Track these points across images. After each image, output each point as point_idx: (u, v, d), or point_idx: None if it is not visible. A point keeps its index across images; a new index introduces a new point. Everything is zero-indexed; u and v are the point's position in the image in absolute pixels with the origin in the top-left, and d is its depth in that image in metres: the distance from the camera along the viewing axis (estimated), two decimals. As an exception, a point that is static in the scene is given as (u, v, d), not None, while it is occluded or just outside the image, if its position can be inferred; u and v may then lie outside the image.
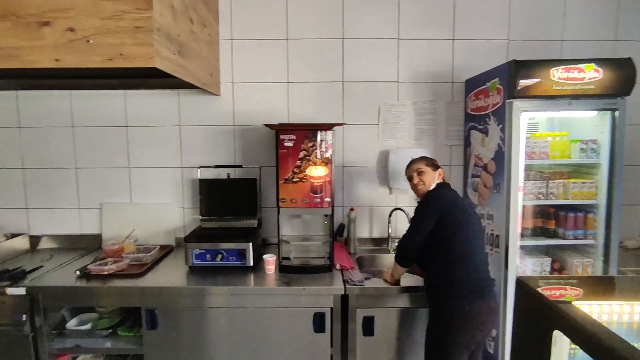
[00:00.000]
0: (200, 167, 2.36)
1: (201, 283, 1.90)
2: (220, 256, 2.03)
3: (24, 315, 1.89)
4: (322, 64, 2.39)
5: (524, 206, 2.08)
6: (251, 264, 2.03)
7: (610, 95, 1.92)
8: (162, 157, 2.43)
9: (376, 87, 2.41)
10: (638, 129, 2.42)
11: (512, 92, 1.90)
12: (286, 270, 2.03)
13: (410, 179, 1.91)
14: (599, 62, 1.89)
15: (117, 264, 2.03)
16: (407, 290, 1.88)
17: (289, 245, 2.08)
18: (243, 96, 2.39)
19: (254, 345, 1.90)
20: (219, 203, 2.31)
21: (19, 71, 1.60)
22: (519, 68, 1.88)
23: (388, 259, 2.33)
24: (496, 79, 2.03)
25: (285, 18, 2.36)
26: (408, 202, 2.45)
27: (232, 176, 2.38)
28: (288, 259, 2.08)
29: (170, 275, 2.01)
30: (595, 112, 2.03)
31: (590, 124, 2.11)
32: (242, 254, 2.04)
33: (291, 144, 1.94)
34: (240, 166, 2.37)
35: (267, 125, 1.98)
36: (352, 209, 2.38)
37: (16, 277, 1.96)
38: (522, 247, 2.10)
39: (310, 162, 1.95)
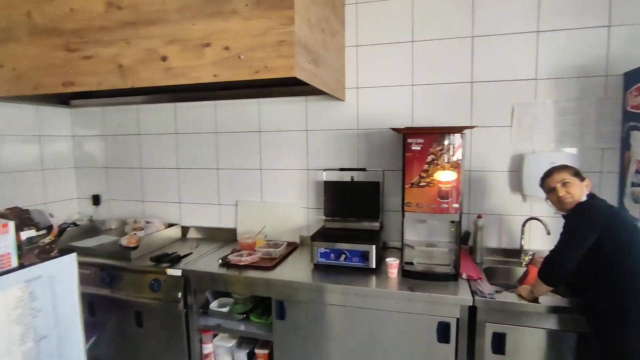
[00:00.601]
0: (325, 170, 2.47)
1: (325, 280, 1.99)
2: (343, 256, 2.09)
3: (179, 294, 2.21)
4: (449, 65, 2.30)
5: None
6: (373, 266, 2.06)
7: None
8: (290, 160, 2.61)
9: (510, 86, 2.22)
10: None
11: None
12: (409, 275, 2.00)
13: (551, 191, 1.71)
14: None
15: (251, 256, 2.25)
16: (552, 310, 1.69)
17: (413, 250, 2.05)
18: (367, 100, 2.44)
19: (373, 345, 1.91)
20: (342, 204, 2.39)
21: (182, 86, 1.88)
22: None
23: (520, 273, 2.13)
24: (670, 70, 1.70)
25: (411, 21, 2.33)
26: (546, 211, 2.20)
27: (355, 179, 2.44)
28: (411, 264, 2.04)
29: (297, 270, 2.15)
30: None
31: None
32: (364, 256, 2.07)
33: (418, 148, 1.90)
34: (363, 169, 2.41)
35: (393, 129, 1.98)
36: (479, 216, 2.23)
37: (173, 260, 2.31)
38: None
39: (439, 167, 1.89)
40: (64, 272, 0.91)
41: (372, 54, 2.41)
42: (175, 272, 2.20)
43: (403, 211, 1.98)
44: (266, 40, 1.65)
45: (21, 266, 0.81)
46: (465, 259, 2.18)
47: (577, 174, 1.68)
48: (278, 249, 2.34)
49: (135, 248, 2.40)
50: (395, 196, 2.39)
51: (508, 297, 1.78)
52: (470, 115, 2.29)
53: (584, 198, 1.63)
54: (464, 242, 2.31)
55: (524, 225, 2.18)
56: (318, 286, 1.97)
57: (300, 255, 2.40)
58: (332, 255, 2.12)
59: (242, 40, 1.68)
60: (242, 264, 2.19)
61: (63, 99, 2.94)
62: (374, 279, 2.01)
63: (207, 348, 2.32)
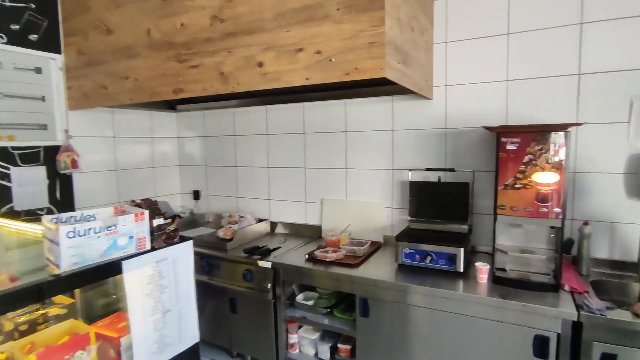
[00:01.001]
0: (411, 170, 2.44)
1: (410, 281, 1.96)
2: (429, 258, 2.05)
3: (269, 284, 2.35)
4: (550, 57, 2.11)
5: None
6: (461, 270, 1.98)
7: None
8: (375, 160, 2.63)
9: (627, 77, 1.97)
10: None
11: None
12: (501, 282, 1.89)
13: None
14: None
15: (336, 253, 2.31)
16: (674, 333, 1.48)
17: (505, 255, 1.93)
18: (456, 98, 2.35)
19: (459, 352, 1.84)
20: (428, 205, 2.34)
21: (274, 90, 2.00)
22: None
23: (636, 289, 1.89)
24: None
25: (507, 12, 2.19)
26: (671, 220, 1.92)
27: (442, 179, 2.37)
28: (503, 270, 1.93)
29: (381, 269, 2.16)
30: None
31: None
32: (452, 259, 2.01)
33: (514, 147, 1.79)
34: (452, 170, 2.33)
35: (486, 128, 1.89)
36: (586, 223, 2.02)
37: (264, 253, 2.47)
38: None
39: (537, 167, 1.76)
40: (183, 256, 1.04)
41: (462, 50, 2.31)
42: (266, 264, 2.35)
43: (495, 214, 1.87)
44: (357, 43, 1.68)
45: (153, 249, 0.95)
46: (568, 270, 1.99)
47: None
48: (362, 247, 2.37)
49: (230, 240, 2.61)
50: (486, 198, 2.27)
51: (622, 315, 1.59)
52: (576, 112, 2.09)
53: None
54: (566, 250, 2.11)
55: (642, 234, 1.93)
56: (403, 286, 1.96)
57: (383, 255, 2.40)
58: (417, 256, 2.09)
59: (333, 43, 1.74)
60: (327, 260, 2.26)
61: (171, 105, 3.31)
62: (461, 283, 1.94)
63: (293, 338, 2.44)
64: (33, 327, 1.03)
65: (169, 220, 0.98)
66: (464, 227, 2.21)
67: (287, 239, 2.85)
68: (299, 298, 2.43)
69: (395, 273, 2.10)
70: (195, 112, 3.38)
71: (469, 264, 2.07)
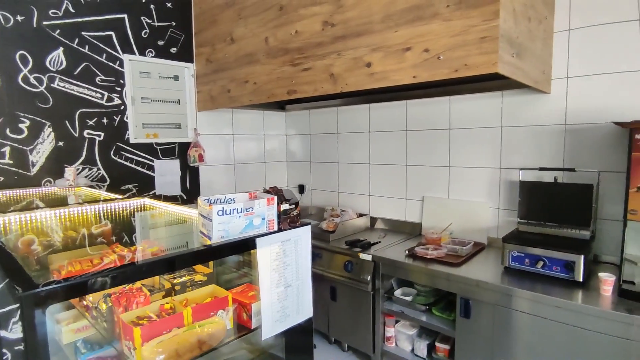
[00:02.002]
0: (522, 169, 2.29)
1: (517, 286, 1.87)
2: (541, 263, 1.93)
3: (369, 277, 2.44)
4: None
5: None
6: (580, 279, 1.82)
7: None
8: (480, 158, 2.53)
9: None
10: None
11: None
12: (628, 295, 1.69)
13: None
14: None
15: (437, 251, 2.30)
16: None
17: (636, 267, 1.72)
18: (579, 91, 2.15)
19: (577, 369, 1.71)
20: (541, 208, 2.18)
21: (378, 89, 2.07)
22: None
23: None
24: None
25: (647, -8, 1.93)
26: None
27: (559, 180, 2.19)
28: (632, 283, 1.72)
29: (485, 271, 2.09)
30: None
31: None
32: (569, 266, 1.86)
33: (652, 145, 1.59)
34: (572, 169, 2.13)
35: (617, 123, 1.70)
36: None
37: (364, 246, 2.56)
38: None
39: (682, 169, 1.54)
40: (303, 238, 1.18)
41: (587, 38, 2.10)
42: (367, 256, 2.44)
43: (625, 220, 1.68)
44: (467, 39, 1.67)
45: (279, 230, 1.10)
46: None
47: None
48: (465, 247, 2.32)
49: (333, 232, 2.76)
50: (613, 203, 2.04)
51: None
52: None
53: None
54: None
55: None
56: (509, 290, 1.87)
57: (487, 257, 2.31)
58: (526, 260, 1.98)
59: (441, 41, 1.74)
60: (428, 257, 2.27)
61: (281, 105, 3.60)
62: (580, 294, 1.78)
63: (390, 331, 2.50)
64: (183, 288, 1.27)
65: (292, 206, 1.13)
66: (585, 233, 2.02)
67: (386, 234, 2.90)
68: (398, 293, 2.47)
69: (501, 276, 2.02)
70: (301, 111, 3.62)
71: (590, 273, 1.89)
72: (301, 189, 3.67)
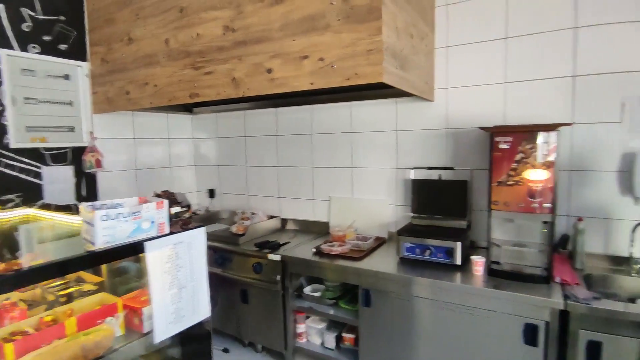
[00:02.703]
0: (413, 168, 2.55)
1: (410, 273, 2.09)
2: (428, 252, 2.17)
3: (278, 276, 2.50)
4: (545, 60, 2.20)
5: None
6: (458, 262, 2.09)
7: None
8: (379, 159, 2.76)
9: (619, 78, 2.05)
10: None
11: None
12: (495, 274, 1.99)
13: None
14: None
15: (342, 247, 2.44)
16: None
17: (500, 249, 2.03)
18: (456, 100, 2.46)
19: (456, 339, 1.96)
20: (429, 202, 2.45)
21: (283, 93, 2.15)
22: None
23: (628, 282, 1.97)
24: None
25: (505, 17, 2.29)
26: (663, 216, 2.00)
27: (443, 177, 2.48)
28: (498, 263, 2.03)
29: (383, 262, 2.28)
30: None
31: None
32: (449, 252, 2.12)
33: (507, 147, 1.89)
34: (451, 168, 2.44)
35: (481, 128, 2.00)
36: (580, 219, 2.10)
37: (273, 247, 2.62)
38: None
39: (528, 165, 1.86)
40: (197, 240, 1.20)
41: (463, 54, 2.42)
42: (275, 257, 2.50)
43: (490, 210, 1.98)
44: (356, 50, 1.82)
45: (171, 233, 1.10)
46: (563, 264, 2.07)
47: None
48: (366, 242, 2.50)
49: (242, 235, 2.77)
50: (484, 195, 2.37)
51: (607, 304, 1.68)
52: (572, 112, 2.17)
53: None
54: (562, 245, 2.20)
55: (634, 230, 2.00)
56: (403, 278, 2.08)
57: (387, 250, 2.52)
58: (417, 250, 2.21)
59: (334, 51, 1.88)
60: (333, 253, 2.40)
61: (187, 108, 3.50)
62: (458, 276, 2.05)
63: (301, 328, 2.59)
64: (70, 299, 1.20)
65: (185, 209, 1.13)
66: (463, 223, 2.32)
67: (296, 234, 3.00)
68: (307, 290, 2.57)
69: (397, 266, 2.22)
70: (209, 114, 3.56)
71: (467, 257, 2.17)
72: (211, 193, 3.61)
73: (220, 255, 2.76)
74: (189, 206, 1.10)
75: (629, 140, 2.06)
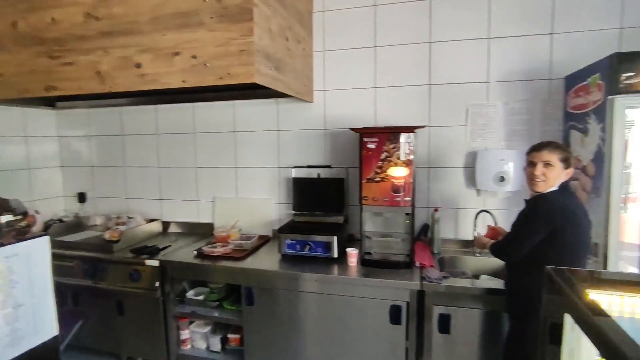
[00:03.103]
0: (294, 167, 2.64)
1: (290, 269, 2.16)
2: (308, 247, 2.27)
3: (157, 283, 2.37)
4: (408, 69, 2.47)
5: (628, 214, 1.89)
6: (335, 255, 2.23)
7: None
8: (262, 158, 2.78)
9: (464, 88, 2.40)
10: None
11: (614, 88, 1.75)
12: (367, 263, 2.17)
13: (531, 164, 1.65)
14: None
15: (224, 248, 2.41)
16: (489, 292, 1.87)
17: (371, 240, 2.22)
18: (334, 102, 2.61)
19: (333, 326, 2.09)
20: (309, 199, 2.56)
21: (161, 90, 2.04)
22: (621, 61, 1.73)
23: (472, 261, 2.31)
24: (597, 74, 1.88)
25: (374, 27, 2.50)
26: (496, 204, 2.39)
27: (322, 175, 2.61)
28: (370, 253, 2.22)
29: (266, 260, 2.32)
30: None
31: None
32: (327, 246, 2.25)
33: (374, 146, 2.08)
34: (329, 166, 2.58)
35: (352, 129, 2.16)
36: (436, 210, 2.41)
37: (152, 252, 2.47)
38: (629, 259, 1.90)
39: (392, 163, 2.06)
40: (38, 251, 1.07)
41: (338, 59, 2.58)
42: (153, 262, 2.36)
43: (361, 204, 2.15)
44: (229, 50, 1.81)
45: (0, 245, 0.97)
46: (423, 250, 2.35)
47: (566, 160, 1.62)
48: (249, 241, 2.51)
49: (117, 242, 2.55)
50: (357, 192, 2.57)
51: (453, 282, 1.96)
52: (428, 116, 2.47)
53: (554, 187, 1.62)
54: (424, 233, 2.50)
55: (476, 217, 2.37)
56: (283, 274, 2.14)
57: (271, 247, 2.56)
58: (297, 246, 2.29)
59: (207, 49, 1.84)
60: (215, 254, 2.36)
61: (49, 102, 3.08)
62: (335, 268, 2.18)
63: (184, 334, 2.49)
64: None
65: (19, 217, 0.99)
66: (340, 218, 2.48)
67: (179, 237, 2.86)
68: (190, 294, 2.48)
69: (279, 263, 2.28)
70: (78, 110, 3.19)
71: (343, 250, 2.33)
72: (82, 197, 3.24)
73: (91, 265, 2.51)
74: (24, 213, 0.97)
75: (472, 142, 2.42)
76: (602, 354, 0.57)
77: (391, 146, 2.07)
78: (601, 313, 0.61)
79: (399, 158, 2.06)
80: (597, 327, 0.58)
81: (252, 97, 2.65)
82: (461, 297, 1.92)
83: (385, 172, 2.08)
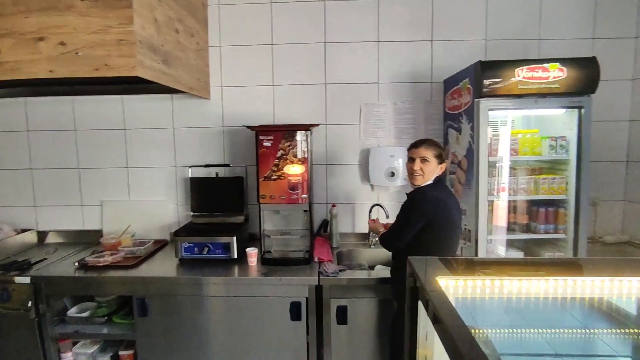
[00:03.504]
0: (191, 167, 2.52)
1: (188, 273, 2.06)
2: (206, 249, 2.18)
3: (30, 302, 2.07)
4: (305, 68, 2.51)
5: (496, 201, 2.16)
6: (235, 256, 2.18)
7: (576, 93, 1.98)
8: (157, 157, 2.60)
9: (357, 88, 2.52)
10: (604, 126, 2.45)
11: (479, 92, 1.99)
12: (267, 262, 2.16)
13: (411, 160, 1.81)
14: (563, 61, 1.95)
15: (113, 256, 2.21)
16: (381, 281, 1.99)
17: (271, 239, 2.22)
18: (231, 99, 2.54)
19: (238, 330, 2.04)
20: (208, 200, 2.47)
21: (22, 81, 1.78)
22: (484, 68, 1.97)
23: (368, 253, 2.44)
24: (466, 79, 2.12)
25: (270, 25, 2.49)
26: (388, 198, 2.56)
27: (221, 174, 2.53)
28: (269, 252, 2.21)
29: (161, 266, 2.17)
30: (564, 110, 2.09)
31: (560, 121, 2.17)
32: (227, 247, 2.18)
33: (270, 144, 2.07)
34: (227, 165, 2.52)
35: (247, 127, 2.12)
36: (334, 206, 2.50)
37: (22, 267, 2.15)
38: (503, 240, 2.19)
39: (288, 161, 2.08)
40: None
41: (236, 55, 2.52)
42: (24, 279, 2.06)
43: (259, 203, 2.13)
44: (106, 38, 1.65)
45: None
46: (322, 245, 2.42)
47: (439, 156, 1.78)
48: (143, 247, 2.33)
49: (-25, 258, 2.18)
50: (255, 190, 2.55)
51: (349, 274, 2.05)
52: (325, 114, 2.54)
53: (430, 181, 1.78)
54: (324, 229, 2.57)
55: (370, 211, 2.50)
56: (179, 279, 2.03)
57: (168, 252, 2.41)
58: (196, 248, 2.19)
59: (79, 36, 1.65)
60: (101, 264, 2.14)
61: None
62: (235, 269, 2.13)
63: (67, 357, 2.21)
64: None
65: None
66: (241, 218, 2.43)
67: (59, 248, 2.54)
68: (72, 311, 2.21)
69: (176, 268, 2.15)
70: None
71: (244, 250, 2.28)
72: None
73: (-61, 288, 2.10)
74: None
75: (365, 139, 2.56)
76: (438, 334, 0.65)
77: (287, 144, 2.08)
78: (439, 296, 0.68)
79: (295, 156, 2.09)
80: (437, 309, 0.64)
81: (143, 91, 2.45)
82: (357, 288, 2.01)
83: (282, 170, 2.09)
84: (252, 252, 2.15)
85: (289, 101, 2.54)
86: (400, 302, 1.86)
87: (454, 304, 0.66)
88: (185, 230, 2.26)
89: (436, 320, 0.61)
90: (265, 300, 2.02)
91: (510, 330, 1.03)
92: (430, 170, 1.76)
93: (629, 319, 1.10)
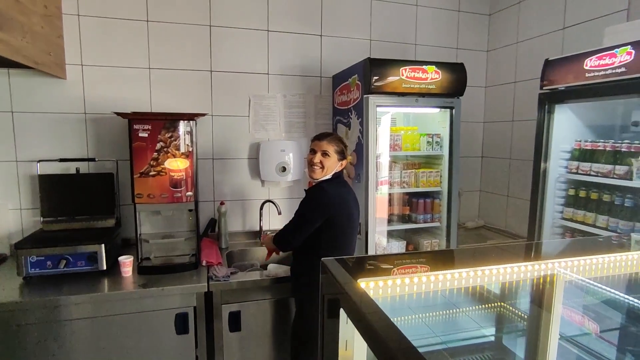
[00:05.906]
0: (39, 161, 2.03)
1: (38, 295, 1.64)
2: (64, 262, 1.78)
3: None
4: (188, 52, 2.26)
5: (381, 195, 2.26)
6: (104, 267, 1.83)
7: (448, 94, 2.19)
8: (-12, 150, 2.04)
9: (246, 78, 2.37)
10: (465, 126, 2.79)
11: (368, 88, 2.04)
12: (146, 271, 1.88)
13: (312, 152, 1.76)
14: (439, 65, 2.13)
15: None
16: (275, 281, 1.90)
17: (149, 244, 1.93)
18: (97, 81, 2.14)
19: (112, 356, 1.72)
20: (66, 202, 2.03)
21: None
22: (373, 66, 2.03)
23: (260, 252, 2.33)
24: (355, 75, 2.16)
25: (144, -3, 2.16)
26: (280, 194, 2.49)
27: (83, 171, 2.11)
28: (148, 259, 1.93)
29: (-1, 288, 1.70)
30: (438, 110, 2.30)
31: (436, 120, 2.39)
32: (92, 258, 1.82)
33: (146, 135, 1.79)
34: (93, 159, 2.11)
35: (118, 114, 1.79)
36: (222, 203, 2.31)
37: None
38: (388, 232, 2.29)
39: (169, 154, 1.83)
40: None
41: (99, 28, 2.12)
42: None
43: (134, 203, 1.83)
44: None
45: None
46: (210, 246, 2.21)
47: (341, 152, 1.75)
48: (-31, 266, 1.80)
49: None
50: (130, 189, 2.21)
51: (241, 277, 1.90)
52: (211, 104, 2.33)
53: (329, 176, 1.73)
54: (212, 229, 2.36)
55: (261, 208, 2.39)
56: (21, 304, 1.60)
57: (8, 270, 1.91)
58: (48, 262, 1.77)
59: None
60: None
61: None
62: (105, 282, 1.79)
63: None
64: None
65: None
66: (111, 221, 2.06)
67: None
68: None
69: (20, 289, 1.71)
70: None
71: (116, 260, 1.94)
72: None
73: None
74: None
75: (255, 133, 2.43)
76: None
77: (168, 135, 1.83)
78: (361, 300, 0.63)
79: (177, 149, 1.85)
80: (354, 307, 0.59)
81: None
82: (250, 291, 1.89)
83: (162, 164, 1.83)
84: (127, 261, 1.84)
85: (169, 88, 2.25)
86: (302, 300, 1.79)
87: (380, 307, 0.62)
88: (32, 241, 1.81)
89: (367, 328, 0.54)
90: (145, 316, 1.75)
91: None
92: (330, 165, 1.73)
93: (496, 297, 1.27)
